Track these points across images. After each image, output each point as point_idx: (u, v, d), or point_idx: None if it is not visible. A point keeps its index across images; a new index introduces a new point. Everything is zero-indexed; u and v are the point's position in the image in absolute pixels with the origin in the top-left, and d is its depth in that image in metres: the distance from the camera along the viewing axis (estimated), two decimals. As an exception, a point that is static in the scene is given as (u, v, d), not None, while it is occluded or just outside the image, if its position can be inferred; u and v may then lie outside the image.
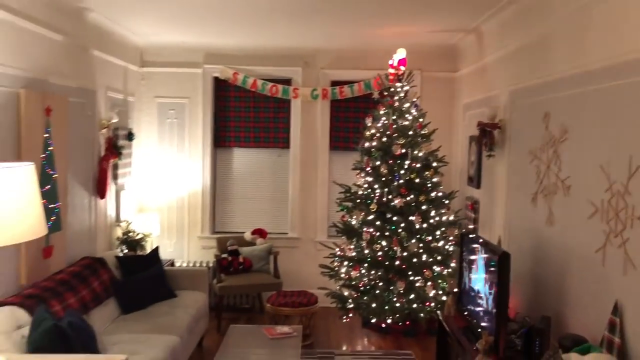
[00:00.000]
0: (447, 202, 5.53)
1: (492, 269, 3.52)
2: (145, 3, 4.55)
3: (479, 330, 3.62)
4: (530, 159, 3.98)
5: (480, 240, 3.91)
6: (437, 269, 5.36)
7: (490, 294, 3.56)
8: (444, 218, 5.47)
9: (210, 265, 6.13)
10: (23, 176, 2.67)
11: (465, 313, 4.09)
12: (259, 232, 6.22)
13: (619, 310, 2.76)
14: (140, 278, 4.83)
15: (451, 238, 5.38)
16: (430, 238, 5.39)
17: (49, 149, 4.10)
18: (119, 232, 5.68)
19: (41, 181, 3.31)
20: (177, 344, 4.10)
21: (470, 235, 4.23)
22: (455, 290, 4.54)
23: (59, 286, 3.96)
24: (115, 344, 3.83)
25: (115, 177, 5.56)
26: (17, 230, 2.58)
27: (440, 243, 5.44)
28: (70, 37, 4.53)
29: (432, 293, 5.26)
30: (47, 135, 4.08)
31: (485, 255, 3.71)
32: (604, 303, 2.90)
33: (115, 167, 5.55)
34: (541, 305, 3.75)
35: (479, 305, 3.81)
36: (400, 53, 5.50)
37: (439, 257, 5.39)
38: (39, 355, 3.13)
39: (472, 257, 4.03)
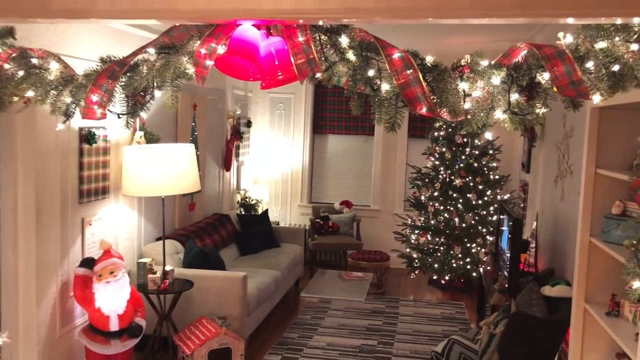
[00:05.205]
0: (502, 183, 6.64)
1: (510, 231, 4.69)
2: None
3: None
4: (555, 149, 5.04)
5: (506, 210, 5.06)
6: (490, 238, 6.50)
7: (509, 250, 4.72)
8: (499, 197, 6.58)
9: (307, 227, 7.61)
10: (188, 152, 4.28)
11: (497, 268, 5.26)
12: (346, 203, 7.60)
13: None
14: (254, 231, 6.41)
15: (502, 213, 6.49)
16: (484, 212, 6.53)
17: (195, 133, 5.75)
18: (238, 197, 7.32)
19: (193, 156, 4.90)
20: (279, 276, 5.60)
21: (503, 207, 5.38)
22: (493, 251, 5.69)
23: (199, 230, 5.60)
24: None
25: (237, 155, 7.18)
26: (186, 184, 4.18)
27: (494, 217, 6.56)
28: (209, 51, 6.13)
29: (485, 258, 6.41)
30: (193, 124, 5.73)
31: (509, 222, 4.87)
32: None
33: (237, 147, 7.16)
34: (554, 262, 4.84)
35: (504, 260, 4.97)
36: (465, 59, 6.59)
37: (491, 229, 6.52)
38: (190, 270, 4.76)
39: (503, 225, 5.19)
